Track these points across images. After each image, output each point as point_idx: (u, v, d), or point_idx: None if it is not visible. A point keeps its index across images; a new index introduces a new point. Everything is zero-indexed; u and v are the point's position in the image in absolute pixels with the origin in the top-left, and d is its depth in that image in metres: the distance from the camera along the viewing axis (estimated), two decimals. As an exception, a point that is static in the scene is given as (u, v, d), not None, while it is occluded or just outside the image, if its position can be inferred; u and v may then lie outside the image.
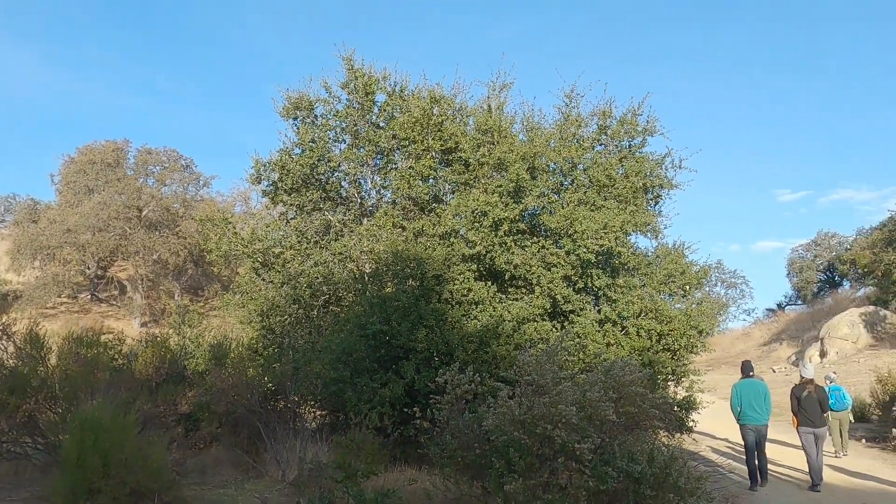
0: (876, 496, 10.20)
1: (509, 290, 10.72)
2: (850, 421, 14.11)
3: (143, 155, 35.21)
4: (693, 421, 10.86)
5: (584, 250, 9.78)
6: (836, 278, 38.56)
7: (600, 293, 10.34)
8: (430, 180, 11.34)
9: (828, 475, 11.72)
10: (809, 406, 9.95)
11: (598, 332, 9.96)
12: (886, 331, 31.67)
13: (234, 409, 10.36)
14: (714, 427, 15.74)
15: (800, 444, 10.44)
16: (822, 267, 39.32)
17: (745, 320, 43.13)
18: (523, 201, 10.21)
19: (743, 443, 10.39)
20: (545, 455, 6.10)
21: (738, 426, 10.36)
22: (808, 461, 10.15)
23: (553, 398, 6.10)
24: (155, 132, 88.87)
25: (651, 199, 11.78)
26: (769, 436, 10.65)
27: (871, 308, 32.61)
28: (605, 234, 9.71)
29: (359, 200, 12.29)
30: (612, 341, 9.76)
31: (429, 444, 7.17)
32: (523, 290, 10.64)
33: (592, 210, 10.31)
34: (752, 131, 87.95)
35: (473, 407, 7.02)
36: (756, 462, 10.18)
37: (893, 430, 14.69)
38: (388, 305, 9.93)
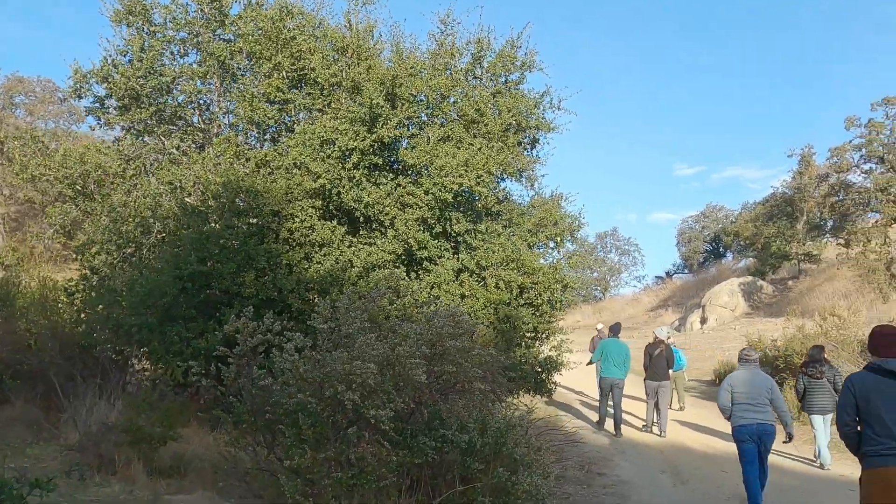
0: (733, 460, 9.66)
1: (361, 232, 9.28)
2: (685, 380, 14.85)
3: (11, 83, 31.12)
4: (553, 383, 9.88)
5: (441, 189, 8.43)
6: (721, 249, 39.47)
7: (460, 240, 9.07)
8: (280, 104, 9.62)
9: (688, 436, 11.25)
10: (658, 362, 10.92)
11: (455, 282, 8.70)
12: (762, 300, 32.57)
13: (23, 359, 8.58)
14: (589, 385, 15.39)
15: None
16: (708, 238, 40.15)
17: (635, 286, 43.77)
18: (377, 131, 8.71)
19: (599, 391, 11.45)
20: (339, 423, 4.77)
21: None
22: (648, 407, 11.27)
23: (352, 352, 4.76)
24: (42, 64, 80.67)
25: (528, 143, 10.56)
26: (627, 391, 11.76)
27: (750, 278, 33.42)
28: (466, 171, 8.38)
29: (201, 125, 10.42)
30: (467, 293, 8.52)
31: (213, 406, 5.72)
32: (378, 234, 9.23)
33: (457, 147, 8.95)
34: (658, 105, 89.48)
35: (267, 363, 5.59)
36: (606, 407, 11.19)
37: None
38: (211, 243, 8.28)
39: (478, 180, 8.34)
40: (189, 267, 7.99)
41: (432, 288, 8.60)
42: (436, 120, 9.43)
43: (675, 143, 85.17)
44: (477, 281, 8.75)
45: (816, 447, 9.22)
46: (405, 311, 8.18)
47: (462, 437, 5.64)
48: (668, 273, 42.50)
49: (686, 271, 41.33)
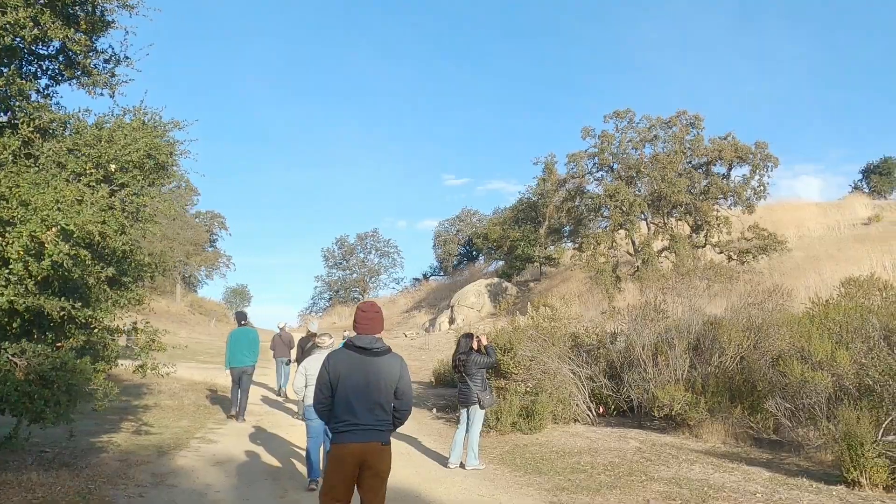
0: None
1: None
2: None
3: None
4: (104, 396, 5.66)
5: None
6: (474, 252, 38.31)
7: None
8: None
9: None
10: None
11: None
12: (507, 301, 31.57)
13: None
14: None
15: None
16: (462, 241, 38.78)
17: (394, 288, 41.05)
18: None
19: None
20: None
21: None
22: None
23: None
24: None
25: (85, 20, 6.26)
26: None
27: (496, 280, 32.42)
28: None
29: None
30: None
31: None
32: None
33: None
34: (430, 120, 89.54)
35: None
36: (238, 394, 10.38)
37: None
38: None
39: None
40: None
41: None
42: None
43: (446, 156, 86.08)
44: None
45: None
46: None
47: None
48: (424, 275, 40.44)
49: (442, 273, 39.55)
